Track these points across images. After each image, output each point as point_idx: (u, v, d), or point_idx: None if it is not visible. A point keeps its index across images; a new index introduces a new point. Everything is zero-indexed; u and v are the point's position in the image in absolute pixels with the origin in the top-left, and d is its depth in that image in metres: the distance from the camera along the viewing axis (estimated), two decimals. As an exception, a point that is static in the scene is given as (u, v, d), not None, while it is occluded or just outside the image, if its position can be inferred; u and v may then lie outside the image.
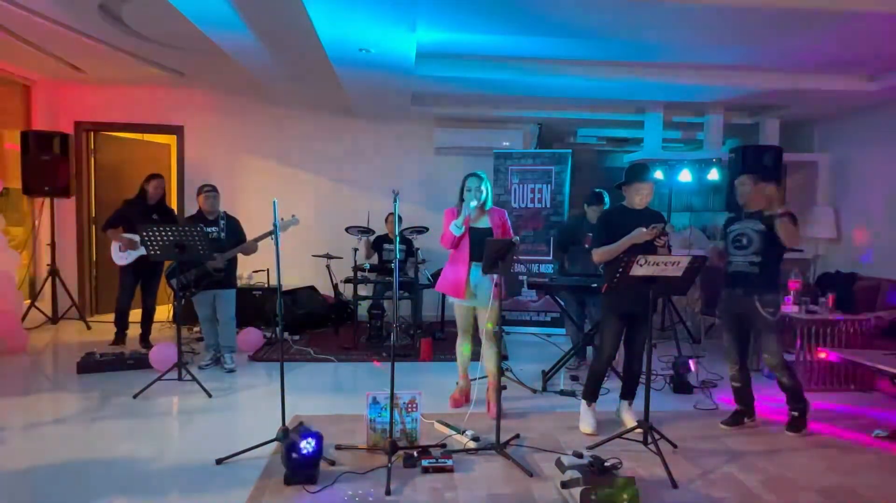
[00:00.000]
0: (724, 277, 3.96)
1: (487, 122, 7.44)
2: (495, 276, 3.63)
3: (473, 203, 3.86)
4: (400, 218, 6.78)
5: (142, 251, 5.42)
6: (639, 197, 3.71)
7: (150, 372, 4.74)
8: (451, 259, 4.05)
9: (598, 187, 5.38)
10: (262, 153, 7.44)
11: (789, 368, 3.88)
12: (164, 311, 7.13)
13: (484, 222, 3.98)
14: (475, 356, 4.22)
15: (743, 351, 3.98)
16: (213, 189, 5.08)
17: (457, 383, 4.29)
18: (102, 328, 6.40)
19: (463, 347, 4.15)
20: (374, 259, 6.52)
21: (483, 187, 3.91)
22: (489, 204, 4.01)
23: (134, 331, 5.86)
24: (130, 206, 5.63)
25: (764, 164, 5.99)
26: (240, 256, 5.12)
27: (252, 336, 5.72)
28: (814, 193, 6.75)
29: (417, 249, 6.09)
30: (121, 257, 5.56)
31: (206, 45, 4.85)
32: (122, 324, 5.78)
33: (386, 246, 6.56)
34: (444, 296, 6.36)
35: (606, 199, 5.24)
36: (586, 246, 5.11)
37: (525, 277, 6.49)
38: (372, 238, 6.42)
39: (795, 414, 3.85)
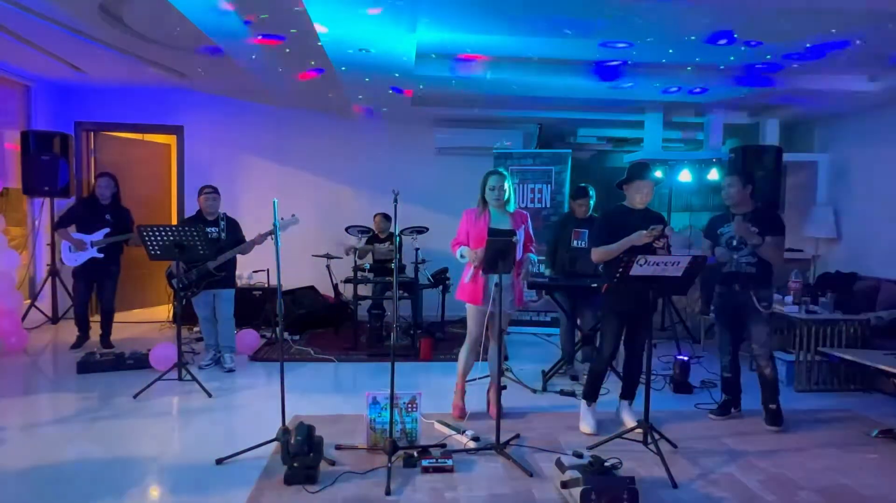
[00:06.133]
0: (720, 276, 4.07)
1: (487, 122, 7.43)
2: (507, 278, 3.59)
3: (473, 260, 3.74)
4: (388, 216, 6.77)
5: (91, 252, 5.39)
6: (639, 195, 3.71)
7: (150, 372, 4.74)
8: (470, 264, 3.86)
9: (590, 185, 5.27)
10: (262, 153, 7.45)
11: (774, 363, 4.05)
12: (164, 311, 7.15)
13: (505, 223, 3.81)
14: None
15: (736, 344, 4.17)
16: (214, 191, 5.08)
17: (461, 392, 4.11)
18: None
19: (468, 356, 3.97)
20: (370, 259, 6.52)
21: (506, 185, 3.79)
22: (512, 204, 3.89)
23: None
24: (83, 206, 5.58)
25: (764, 164, 5.99)
26: (239, 256, 5.13)
27: (249, 338, 5.70)
28: (814, 193, 6.75)
29: (418, 249, 6.08)
30: (70, 258, 5.44)
31: (207, 45, 4.84)
32: (83, 326, 5.71)
33: (377, 245, 6.56)
34: (444, 295, 6.40)
35: (592, 193, 5.13)
36: (574, 242, 5.07)
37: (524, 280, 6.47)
38: (363, 242, 6.41)
39: (773, 407, 3.98)
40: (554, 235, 5.39)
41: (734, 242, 3.92)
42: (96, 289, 5.78)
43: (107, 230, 5.46)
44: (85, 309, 5.70)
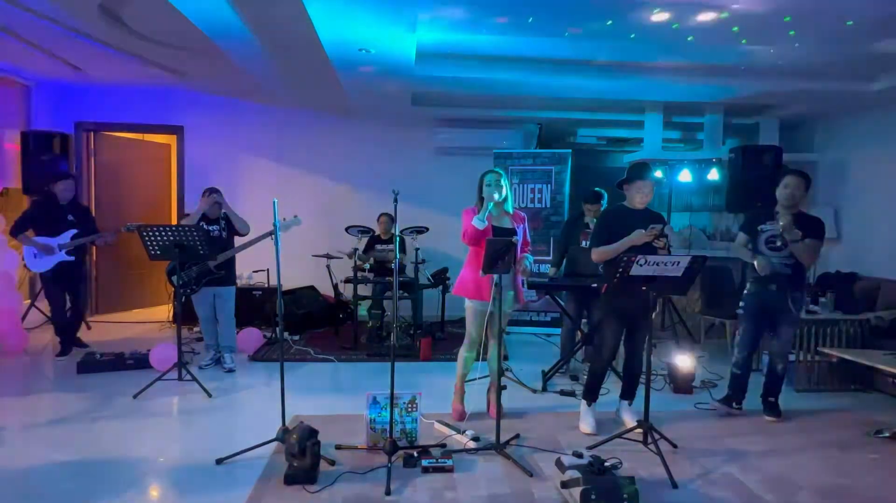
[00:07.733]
0: (754, 275, 4.07)
1: (487, 122, 7.43)
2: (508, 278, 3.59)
3: (497, 195, 3.74)
4: (392, 217, 6.74)
5: (60, 256, 5.22)
6: (639, 196, 3.70)
7: (150, 372, 4.74)
8: (472, 260, 3.85)
9: (599, 187, 5.35)
10: (262, 153, 7.45)
11: (787, 361, 4.21)
12: (164, 311, 7.14)
13: (507, 222, 3.86)
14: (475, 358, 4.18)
15: (757, 342, 4.22)
16: (219, 204, 5.01)
17: (460, 393, 4.10)
18: (102, 328, 6.41)
19: (468, 356, 3.96)
20: (371, 260, 6.52)
21: (503, 183, 3.81)
22: (510, 205, 3.91)
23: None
24: (40, 208, 5.31)
25: (764, 164, 5.99)
26: (238, 255, 5.13)
27: (252, 336, 5.72)
28: (814, 193, 6.74)
29: (418, 249, 6.08)
30: (37, 264, 5.23)
31: (207, 45, 4.85)
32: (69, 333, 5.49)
33: (378, 246, 6.55)
34: (444, 295, 6.40)
35: (605, 198, 5.19)
36: (583, 243, 5.09)
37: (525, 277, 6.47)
38: (362, 243, 6.41)
39: (772, 400, 4.13)
40: (563, 236, 5.42)
41: (778, 242, 3.94)
42: (69, 293, 5.54)
43: (74, 231, 5.27)
44: (64, 315, 5.46)
